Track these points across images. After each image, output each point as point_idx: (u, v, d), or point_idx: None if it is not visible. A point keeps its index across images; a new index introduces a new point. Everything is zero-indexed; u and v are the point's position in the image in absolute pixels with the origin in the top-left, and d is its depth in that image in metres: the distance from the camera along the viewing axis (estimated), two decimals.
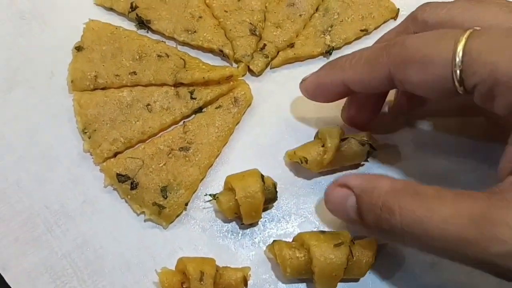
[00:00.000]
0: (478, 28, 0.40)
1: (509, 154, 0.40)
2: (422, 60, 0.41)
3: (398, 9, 0.64)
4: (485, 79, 0.38)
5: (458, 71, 0.39)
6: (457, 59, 0.39)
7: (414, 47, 0.42)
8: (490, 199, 0.37)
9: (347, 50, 0.61)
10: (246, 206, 0.52)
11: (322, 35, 0.62)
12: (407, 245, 0.44)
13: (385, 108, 0.59)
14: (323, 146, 0.55)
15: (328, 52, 0.62)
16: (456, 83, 0.40)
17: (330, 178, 0.58)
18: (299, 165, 0.56)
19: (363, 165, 0.59)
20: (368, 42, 0.63)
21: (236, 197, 0.52)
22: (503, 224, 0.35)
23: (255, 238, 0.55)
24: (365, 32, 0.63)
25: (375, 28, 0.64)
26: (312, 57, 0.63)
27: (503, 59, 0.37)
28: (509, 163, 0.40)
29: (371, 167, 0.58)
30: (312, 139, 0.59)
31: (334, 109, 0.60)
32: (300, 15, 0.63)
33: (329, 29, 0.62)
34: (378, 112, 0.57)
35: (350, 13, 0.63)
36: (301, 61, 0.63)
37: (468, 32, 0.40)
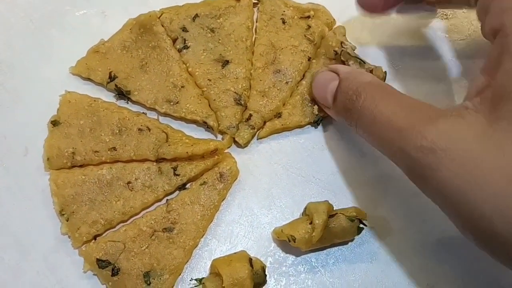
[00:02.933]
0: None
1: (479, 80, 0.47)
2: None
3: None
4: None
5: None
6: None
7: None
8: (440, 110, 0.46)
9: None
10: None
11: (310, 104, 0.65)
12: (357, 130, 0.54)
13: None
14: (311, 223, 0.57)
15: (316, 122, 0.65)
16: None
17: (321, 254, 0.61)
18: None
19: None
20: None
21: (223, 285, 0.54)
22: (431, 125, 0.44)
23: None
24: None
25: None
26: (300, 127, 0.65)
27: None
28: (476, 87, 0.47)
29: None
30: (301, 213, 0.61)
31: (323, 182, 0.62)
32: (287, 83, 0.66)
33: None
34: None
35: None
36: (289, 130, 0.66)
37: None
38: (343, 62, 0.65)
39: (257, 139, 0.66)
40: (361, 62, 0.64)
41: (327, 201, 0.60)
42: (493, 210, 0.40)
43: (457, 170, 0.42)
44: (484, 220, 0.40)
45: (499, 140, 0.41)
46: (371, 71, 0.63)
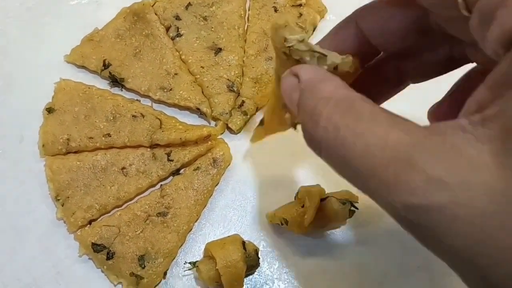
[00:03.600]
0: None
1: (480, 94, 0.34)
2: None
3: None
4: None
5: None
6: None
7: None
8: (424, 137, 0.33)
9: None
10: (228, 275, 0.55)
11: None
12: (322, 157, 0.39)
13: None
14: (303, 206, 0.58)
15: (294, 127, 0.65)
16: None
17: (313, 237, 0.62)
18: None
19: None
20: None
21: (216, 267, 0.55)
22: (421, 171, 0.31)
23: None
24: None
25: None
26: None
27: None
28: (475, 101, 0.35)
29: None
30: (293, 197, 0.62)
31: (314, 166, 0.63)
32: None
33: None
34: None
35: None
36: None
37: None
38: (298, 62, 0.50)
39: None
40: (320, 56, 0.46)
41: (318, 184, 0.61)
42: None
43: (462, 231, 0.31)
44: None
45: None
46: (335, 68, 0.45)
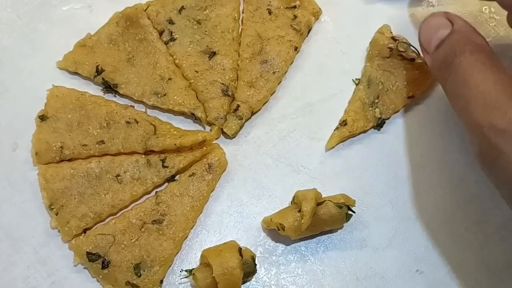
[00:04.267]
0: None
1: None
2: None
3: None
4: None
5: None
6: None
7: None
8: None
9: (397, 120, 0.66)
10: (225, 283, 0.55)
11: (370, 108, 0.66)
12: (445, 87, 0.53)
13: None
14: (299, 211, 0.58)
15: (379, 125, 0.66)
16: None
17: (310, 242, 0.62)
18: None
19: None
20: (418, 108, 0.67)
21: (213, 275, 0.55)
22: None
23: None
24: (413, 98, 0.67)
25: (422, 93, 0.67)
26: (365, 131, 0.66)
27: None
28: None
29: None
30: (290, 202, 0.62)
31: (311, 170, 0.63)
32: (274, 73, 0.67)
33: (376, 100, 0.65)
34: None
35: (393, 80, 0.67)
36: (354, 136, 0.66)
37: None
38: (400, 56, 0.66)
39: (326, 151, 0.65)
40: (417, 54, 0.64)
41: (315, 189, 0.61)
42: None
43: None
44: None
45: None
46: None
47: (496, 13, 0.70)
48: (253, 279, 0.60)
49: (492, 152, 0.44)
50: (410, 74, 0.66)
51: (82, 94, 0.65)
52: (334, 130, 0.65)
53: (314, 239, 0.62)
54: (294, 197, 0.62)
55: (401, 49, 0.65)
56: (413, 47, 0.64)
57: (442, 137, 0.65)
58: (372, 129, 0.66)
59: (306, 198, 0.58)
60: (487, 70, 0.48)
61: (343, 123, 0.65)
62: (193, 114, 0.65)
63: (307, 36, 0.70)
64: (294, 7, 0.69)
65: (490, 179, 0.48)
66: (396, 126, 0.66)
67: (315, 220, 0.58)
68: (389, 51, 0.66)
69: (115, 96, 0.67)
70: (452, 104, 0.52)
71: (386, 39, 0.66)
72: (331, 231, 0.62)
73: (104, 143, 0.63)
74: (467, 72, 0.49)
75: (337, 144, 0.65)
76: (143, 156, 0.63)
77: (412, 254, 0.61)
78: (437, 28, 0.56)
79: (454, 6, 0.71)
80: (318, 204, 0.59)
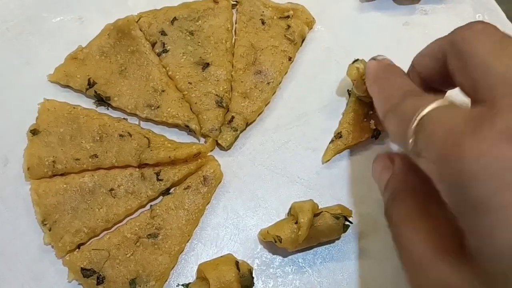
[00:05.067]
0: None
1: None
2: None
3: None
4: None
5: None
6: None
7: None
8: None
9: None
10: None
11: (365, 119, 0.65)
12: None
13: None
14: (296, 222, 0.57)
15: (375, 137, 0.66)
16: None
17: (308, 254, 0.61)
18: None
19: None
20: None
21: None
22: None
23: None
24: None
25: None
26: (361, 143, 0.66)
27: None
28: None
29: None
30: (286, 213, 0.62)
31: (307, 181, 0.63)
32: (268, 83, 0.66)
33: (370, 112, 0.65)
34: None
35: None
36: (350, 148, 0.66)
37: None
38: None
39: (323, 163, 0.65)
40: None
41: (311, 200, 0.60)
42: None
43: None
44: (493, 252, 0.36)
45: None
46: None
47: (489, 20, 0.71)
48: None
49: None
50: None
51: (74, 108, 0.65)
52: (329, 143, 0.65)
53: (311, 251, 0.61)
54: (290, 208, 0.61)
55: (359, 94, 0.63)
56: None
57: None
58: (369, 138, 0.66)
59: (302, 209, 0.58)
60: (410, 223, 0.46)
61: (338, 135, 0.65)
62: (187, 126, 0.64)
63: (301, 45, 0.70)
64: (288, 16, 0.70)
65: None
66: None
67: (312, 232, 0.58)
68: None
69: (108, 109, 0.67)
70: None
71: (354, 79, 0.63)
72: (328, 242, 0.62)
73: (97, 157, 0.62)
74: (397, 228, 0.47)
75: (332, 157, 0.65)
76: (137, 169, 0.62)
77: None
78: (380, 172, 0.54)
79: (447, 14, 0.71)
80: (315, 215, 0.59)
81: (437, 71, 0.51)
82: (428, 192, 0.45)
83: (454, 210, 0.39)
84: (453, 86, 0.51)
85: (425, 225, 0.45)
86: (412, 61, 0.55)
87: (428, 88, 0.53)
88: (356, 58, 0.62)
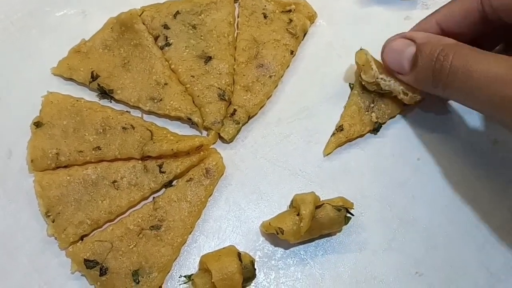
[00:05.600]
0: None
1: None
2: None
3: None
4: None
5: None
6: None
7: None
8: None
9: (394, 123, 0.67)
10: None
11: (366, 112, 0.66)
12: (445, 92, 0.55)
13: None
14: (298, 214, 0.58)
15: (375, 130, 0.66)
16: None
17: (309, 246, 0.62)
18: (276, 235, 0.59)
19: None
20: (414, 111, 0.67)
21: (212, 280, 0.54)
22: None
23: None
24: (408, 105, 0.66)
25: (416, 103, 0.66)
26: (361, 136, 0.66)
27: None
28: None
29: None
30: (288, 206, 0.62)
31: (308, 174, 0.64)
32: (270, 77, 0.67)
33: (372, 105, 0.66)
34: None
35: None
36: (351, 141, 0.67)
37: None
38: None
39: (324, 156, 0.66)
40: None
41: (313, 192, 0.61)
42: None
43: None
44: None
45: None
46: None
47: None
48: (252, 284, 0.59)
49: None
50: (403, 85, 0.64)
51: (77, 100, 0.65)
52: (331, 136, 0.65)
53: (313, 243, 0.62)
54: (292, 200, 0.62)
55: (375, 89, 0.65)
56: (382, 78, 0.63)
57: (439, 140, 0.65)
58: (369, 133, 0.66)
59: (304, 201, 0.58)
60: (481, 56, 0.51)
61: (339, 128, 0.65)
62: (189, 119, 0.65)
63: (302, 39, 0.71)
64: (289, 11, 0.70)
65: None
66: (393, 129, 0.67)
67: (314, 224, 0.58)
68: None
69: (111, 102, 0.67)
70: (467, 100, 0.54)
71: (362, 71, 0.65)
72: (329, 235, 0.62)
73: (100, 149, 0.62)
74: (464, 67, 0.51)
75: (334, 150, 0.65)
76: (140, 161, 0.63)
77: (411, 256, 0.61)
78: (401, 50, 0.58)
79: None
80: (317, 207, 0.59)
81: (468, 22, 0.57)
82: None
83: None
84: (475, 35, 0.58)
85: (494, 55, 0.50)
86: (433, 17, 0.60)
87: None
88: (360, 48, 0.64)
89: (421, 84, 0.59)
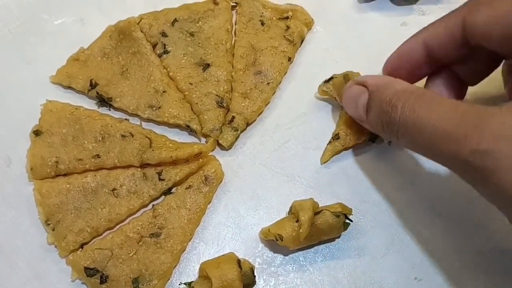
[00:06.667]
0: None
1: None
2: (493, 1, 0.50)
3: None
4: None
5: None
6: None
7: None
8: (488, 109, 0.44)
9: None
10: None
11: None
12: (398, 142, 0.52)
13: None
14: (297, 221, 0.58)
15: (371, 140, 0.66)
16: None
17: (308, 252, 0.62)
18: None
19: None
20: None
21: (212, 287, 0.55)
22: (486, 128, 0.43)
23: None
24: None
25: None
26: (358, 144, 0.66)
27: None
28: None
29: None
30: (287, 212, 0.62)
31: (307, 180, 0.64)
32: (268, 83, 0.67)
33: None
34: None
35: None
36: (348, 150, 0.67)
37: None
38: None
39: (321, 164, 0.66)
40: None
41: (311, 198, 0.61)
42: None
43: None
44: None
45: None
46: None
47: None
48: None
49: (481, 174, 0.43)
50: None
51: (76, 108, 0.66)
52: (327, 144, 0.66)
53: (312, 249, 0.62)
54: (291, 207, 0.62)
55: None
56: None
57: None
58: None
59: (303, 207, 0.59)
60: (430, 105, 0.48)
61: (336, 136, 0.65)
62: (188, 126, 0.65)
63: (300, 46, 0.71)
64: (287, 17, 0.70)
65: (482, 195, 0.47)
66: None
67: (313, 230, 0.59)
68: None
69: (110, 110, 0.67)
70: (418, 152, 0.52)
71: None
72: (328, 241, 0.62)
73: (99, 157, 0.63)
74: (412, 119, 0.48)
75: (330, 158, 0.66)
76: (139, 169, 0.63)
77: (410, 261, 0.61)
78: (355, 98, 0.57)
79: (444, 13, 0.72)
80: (316, 213, 0.59)
81: (451, 44, 0.55)
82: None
83: None
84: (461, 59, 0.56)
85: (447, 105, 0.47)
86: (421, 35, 0.58)
87: (432, 61, 0.58)
88: (331, 76, 0.66)
89: (378, 132, 0.57)
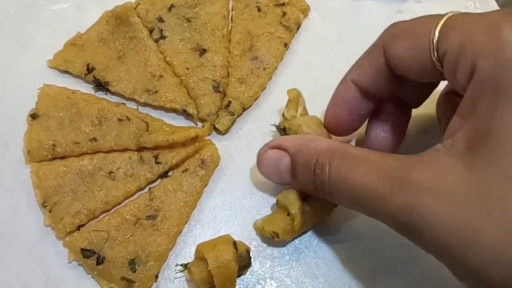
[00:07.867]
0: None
1: (452, 123, 0.45)
2: (409, 34, 0.49)
3: None
4: (453, 46, 0.44)
5: (435, 40, 0.46)
6: (437, 29, 0.46)
7: (403, 24, 0.51)
8: (411, 160, 0.44)
9: None
10: (220, 276, 0.56)
11: None
12: (334, 201, 0.53)
13: None
14: (288, 214, 0.58)
15: None
16: (432, 52, 0.47)
17: (304, 235, 0.62)
18: None
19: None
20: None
21: (208, 268, 0.55)
22: (410, 181, 0.42)
23: None
24: None
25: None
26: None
27: (474, 29, 0.43)
28: (449, 129, 0.45)
29: None
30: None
31: None
32: (264, 69, 0.68)
33: None
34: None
35: None
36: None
37: (452, 13, 0.48)
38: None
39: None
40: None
41: (293, 189, 0.59)
42: (491, 263, 0.38)
43: (445, 227, 0.40)
44: (481, 272, 0.39)
45: (483, 189, 0.39)
46: None
47: (480, 8, 0.72)
48: (248, 272, 0.60)
49: (412, 229, 0.43)
50: None
51: (73, 93, 0.66)
52: None
53: (308, 232, 0.62)
54: (277, 201, 0.62)
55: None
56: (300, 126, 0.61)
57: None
58: None
59: (289, 200, 0.58)
60: (355, 164, 0.47)
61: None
62: (184, 110, 0.65)
63: (296, 32, 0.72)
64: (283, 4, 0.71)
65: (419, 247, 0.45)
66: None
67: (304, 217, 0.59)
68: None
69: (106, 94, 0.68)
70: (354, 209, 0.52)
71: None
72: (323, 223, 0.63)
73: (96, 141, 0.63)
74: (340, 181, 0.48)
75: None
76: (135, 152, 0.63)
77: (406, 242, 0.61)
78: (275, 163, 0.56)
79: (439, 2, 0.73)
80: (303, 200, 0.59)
81: (380, 79, 0.54)
82: None
83: None
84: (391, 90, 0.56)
85: (371, 162, 0.47)
86: (349, 76, 0.57)
87: (369, 98, 0.57)
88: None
89: (309, 193, 0.56)
